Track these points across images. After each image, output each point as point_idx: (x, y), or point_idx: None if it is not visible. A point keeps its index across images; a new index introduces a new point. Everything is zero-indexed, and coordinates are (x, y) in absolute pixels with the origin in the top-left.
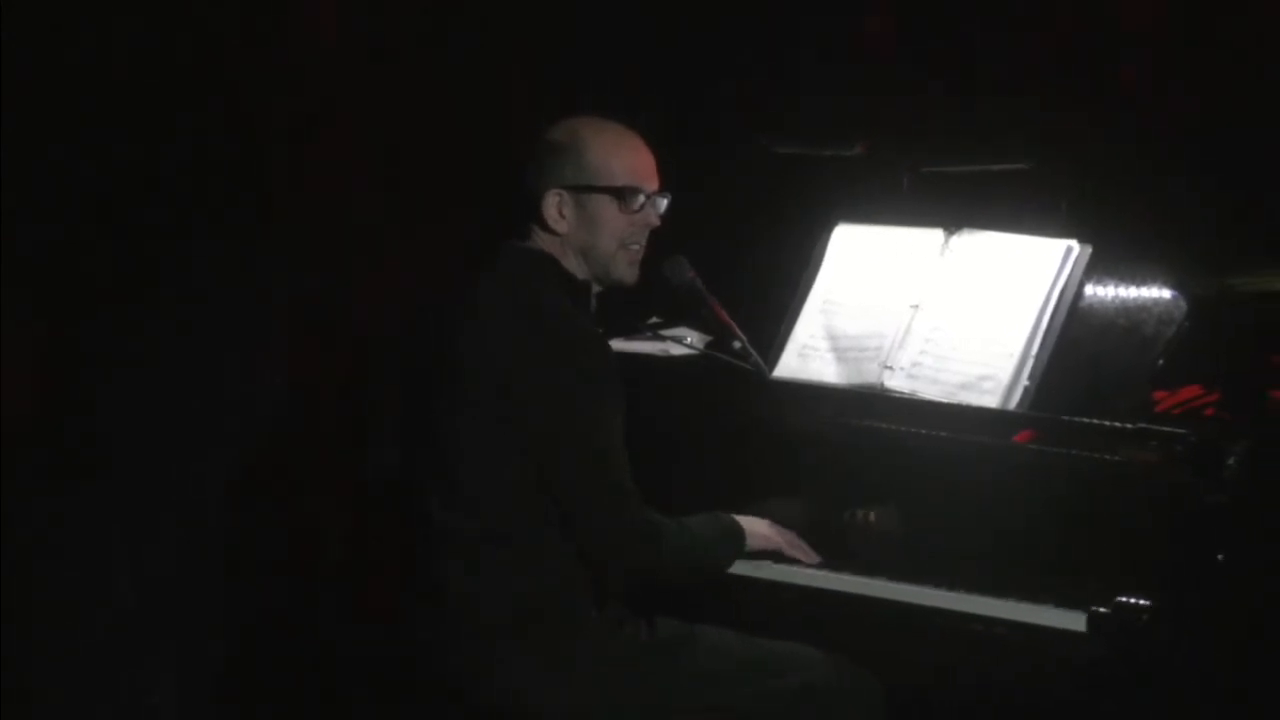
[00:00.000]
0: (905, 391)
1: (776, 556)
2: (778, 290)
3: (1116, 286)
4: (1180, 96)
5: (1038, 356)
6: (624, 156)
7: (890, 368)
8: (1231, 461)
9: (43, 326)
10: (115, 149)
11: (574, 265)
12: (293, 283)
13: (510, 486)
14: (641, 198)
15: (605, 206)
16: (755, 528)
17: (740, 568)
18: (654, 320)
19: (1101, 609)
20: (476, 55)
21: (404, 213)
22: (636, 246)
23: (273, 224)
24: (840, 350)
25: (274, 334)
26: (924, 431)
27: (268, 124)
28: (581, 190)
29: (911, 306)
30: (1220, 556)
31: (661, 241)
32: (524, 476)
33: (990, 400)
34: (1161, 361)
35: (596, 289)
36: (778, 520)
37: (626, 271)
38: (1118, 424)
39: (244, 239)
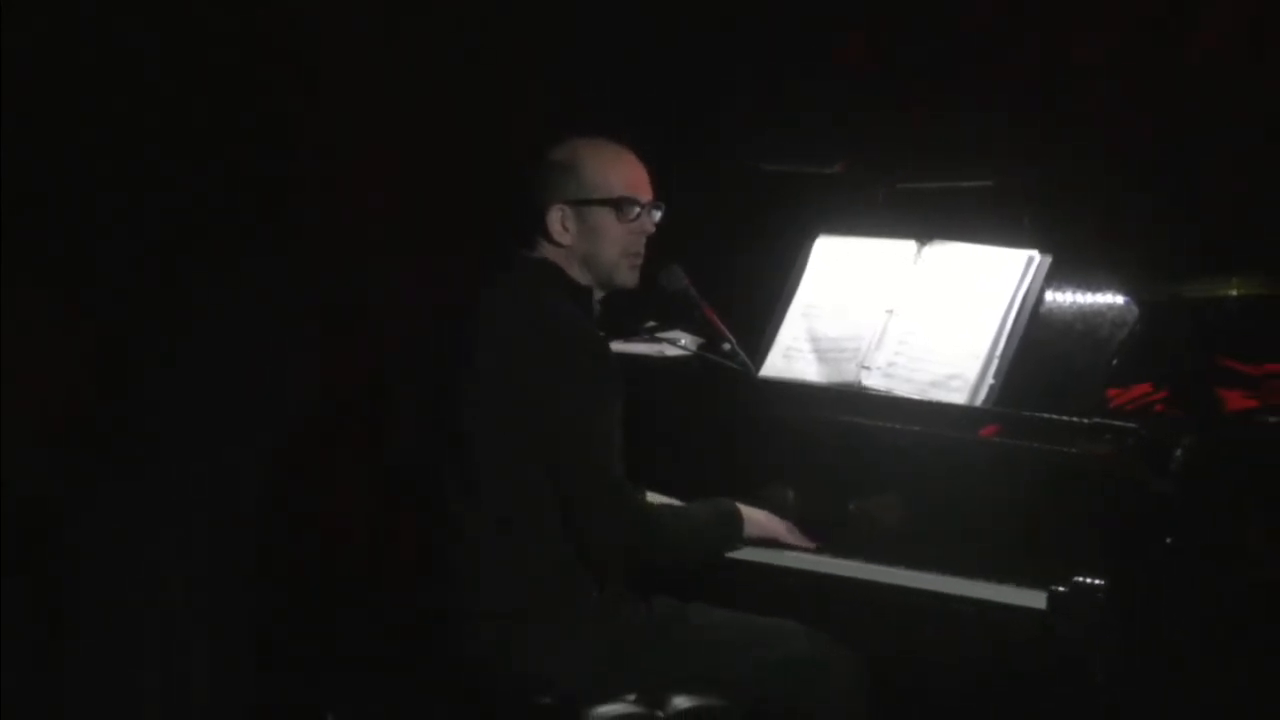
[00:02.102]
0: (881, 389)
1: (774, 543)
2: (764, 296)
3: (1074, 293)
4: (1132, 119)
5: (1002, 357)
6: (619, 171)
7: (867, 367)
8: (1178, 454)
9: (91, 335)
10: (158, 169)
11: (578, 273)
12: (318, 290)
13: (515, 478)
14: (637, 208)
15: (604, 217)
16: (754, 516)
17: (734, 552)
18: (651, 324)
19: (1060, 588)
20: (489, 82)
21: (422, 224)
22: (636, 252)
23: (300, 236)
24: (821, 351)
25: (301, 337)
26: (898, 426)
27: (296, 144)
28: (582, 204)
29: (886, 311)
30: (1168, 540)
31: (658, 252)
32: (528, 469)
33: (959, 397)
34: (1115, 362)
35: (599, 294)
36: (762, 507)
37: (628, 276)
38: (1075, 419)
39: (273, 251)
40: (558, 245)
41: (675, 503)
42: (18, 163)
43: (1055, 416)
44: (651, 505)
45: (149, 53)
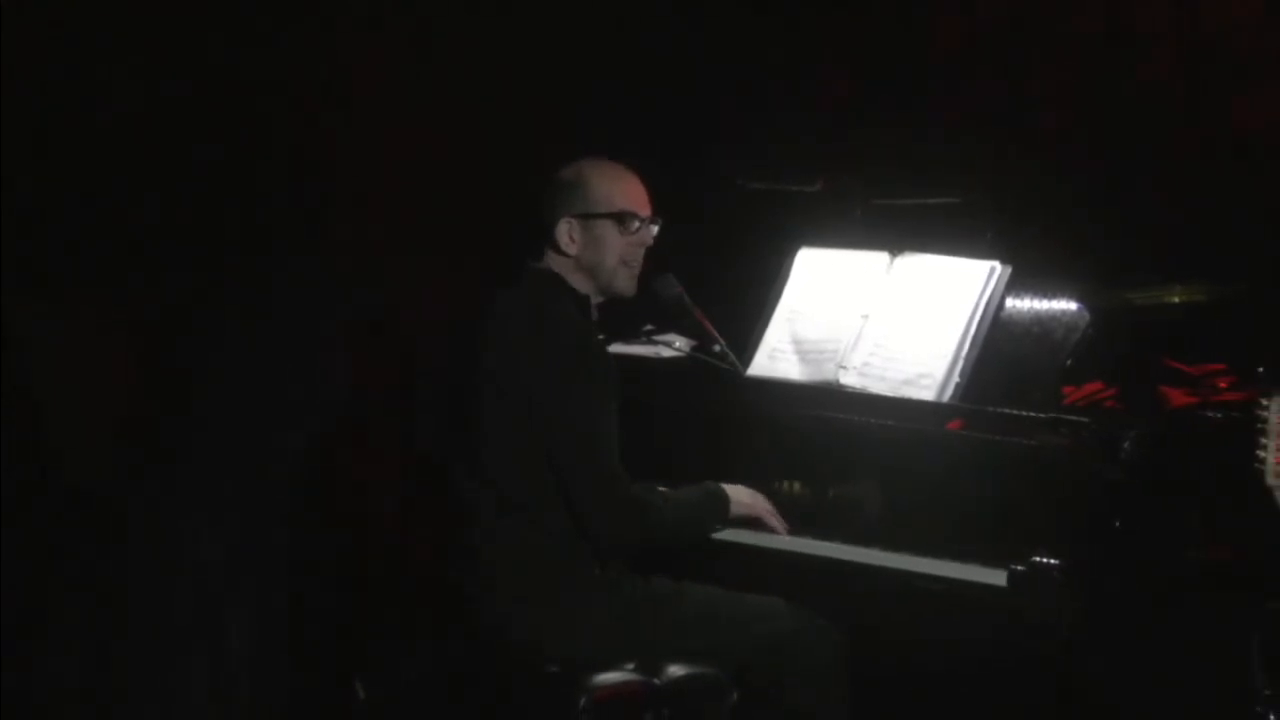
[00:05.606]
0: (857, 387)
1: (755, 524)
2: (751, 303)
3: (1032, 300)
4: (1084, 142)
5: (967, 358)
6: (621, 188)
7: (845, 367)
8: (1126, 445)
9: (139, 338)
10: (205, 182)
11: (579, 282)
12: (349, 298)
13: (522, 466)
14: (637, 221)
15: (607, 229)
16: (739, 496)
17: (722, 534)
18: (648, 328)
19: (1019, 567)
20: (500, 111)
21: (442, 238)
22: (634, 262)
23: (333, 247)
24: (803, 353)
25: (334, 341)
26: (873, 420)
27: (332, 162)
28: (587, 217)
29: (862, 316)
30: (1117, 523)
31: (654, 262)
32: (533, 457)
33: (928, 394)
34: (1069, 362)
35: (597, 300)
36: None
37: (627, 285)
38: (1033, 414)
39: (309, 263)
40: (564, 256)
41: (668, 489)
42: (71, 173)
43: (1015, 411)
44: (644, 494)
45: (199, 72)
